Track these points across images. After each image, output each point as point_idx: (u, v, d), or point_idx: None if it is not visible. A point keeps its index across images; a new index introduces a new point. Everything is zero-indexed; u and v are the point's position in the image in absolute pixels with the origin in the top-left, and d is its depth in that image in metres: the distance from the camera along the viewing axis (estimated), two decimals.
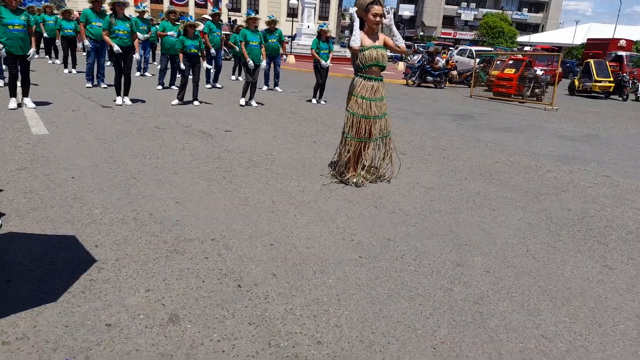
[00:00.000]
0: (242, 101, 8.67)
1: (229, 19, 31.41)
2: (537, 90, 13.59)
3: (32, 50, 6.35)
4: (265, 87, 11.38)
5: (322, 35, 9.45)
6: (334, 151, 4.70)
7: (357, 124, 4.21)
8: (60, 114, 6.48)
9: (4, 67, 8.04)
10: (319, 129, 7.04)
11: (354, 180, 4.33)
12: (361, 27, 4.12)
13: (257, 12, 51.49)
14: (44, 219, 3.08)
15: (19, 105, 6.61)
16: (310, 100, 9.94)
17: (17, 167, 4.07)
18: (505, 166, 5.52)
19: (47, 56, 14.15)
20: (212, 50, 10.29)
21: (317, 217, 3.52)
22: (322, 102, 9.75)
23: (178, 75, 10.95)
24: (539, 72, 13.78)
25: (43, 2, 13.95)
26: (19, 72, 6.44)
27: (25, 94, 6.69)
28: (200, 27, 9.75)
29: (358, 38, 4.04)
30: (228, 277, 2.53)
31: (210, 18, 11.62)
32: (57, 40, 12.50)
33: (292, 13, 31.32)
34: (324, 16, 55.06)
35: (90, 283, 2.36)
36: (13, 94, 6.50)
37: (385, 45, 4.20)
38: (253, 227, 3.24)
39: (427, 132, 7.37)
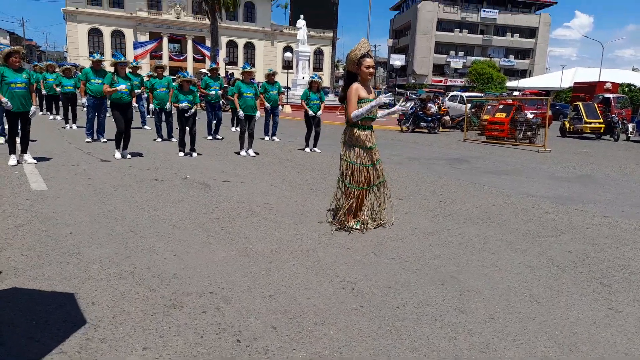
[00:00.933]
0: (243, 152, 8.81)
1: (226, 72, 32.37)
2: (529, 133, 13.85)
3: (33, 108, 6.49)
4: (266, 138, 11.54)
5: (312, 86, 9.73)
6: (331, 198, 4.70)
7: (357, 173, 4.29)
8: (60, 169, 6.53)
9: (5, 125, 8.18)
10: (316, 177, 7.10)
11: (357, 226, 4.35)
12: (352, 81, 4.24)
13: (253, 65, 53.12)
14: (41, 276, 3.04)
15: (19, 161, 6.67)
16: (303, 149, 10.07)
17: (16, 223, 4.06)
18: (502, 209, 5.54)
19: (48, 112, 14.43)
20: (210, 97, 10.74)
21: (317, 265, 3.49)
22: (317, 151, 9.86)
23: (175, 128, 11.19)
24: (530, 116, 14.10)
25: (45, 62, 14.50)
26: (19, 129, 6.55)
27: (24, 150, 6.77)
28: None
29: (361, 111, 4.14)
30: (227, 331, 2.48)
31: (207, 72, 12.03)
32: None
33: (288, 65, 32.35)
34: (318, 67, 56.96)
35: (86, 342, 2.30)
36: (12, 150, 6.59)
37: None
38: (252, 279, 3.20)
39: (423, 177, 7.44)
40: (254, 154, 8.86)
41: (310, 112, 9.61)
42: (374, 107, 4.14)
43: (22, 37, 69.18)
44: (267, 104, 10.82)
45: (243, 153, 8.81)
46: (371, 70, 4.17)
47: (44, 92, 13.16)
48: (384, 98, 4.11)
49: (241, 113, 8.55)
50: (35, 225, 4.04)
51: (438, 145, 12.66)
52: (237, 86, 8.79)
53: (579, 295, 3.13)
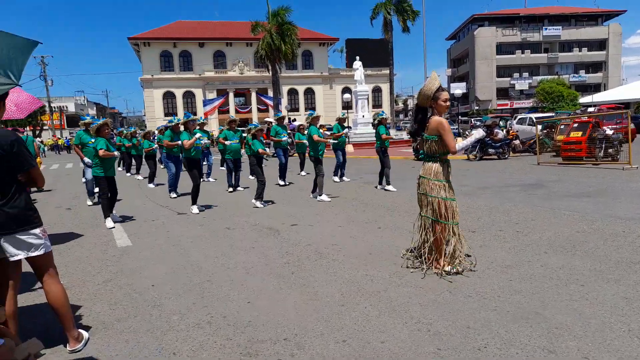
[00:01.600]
0: (324, 197, 8.64)
1: (289, 119, 33.56)
2: (610, 150, 12.87)
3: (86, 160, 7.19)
4: (336, 179, 11.55)
5: (383, 123, 9.82)
6: (416, 240, 4.39)
7: (450, 208, 4.08)
8: (142, 225, 7.01)
9: (95, 189, 8.93)
10: (381, 214, 7.02)
11: (455, 269, 4.04)
12: (425, 115, 4.16)
13: (314, 108, 54.66)
14: (127, 329, 3.23)
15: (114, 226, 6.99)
16: (376, 187, 9.94)
17: (104, 279, 4.38)
18: (588, 235, 5.13)
19: (128, 170, 15.62)
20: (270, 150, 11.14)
21: (389, 307, 3.41)
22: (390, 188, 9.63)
23: (251, 177, 11.63)
24: (609, 132, 13.15)
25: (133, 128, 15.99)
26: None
27: (110, 209, 7.33)
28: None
29: (465, 143, 4.16)
30: None
31: (272, 120, 12.62)
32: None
33: (347, 105, 32.98)
34: (377, 104, 57.39)
35: None
36: (108, 213, 7.00)
37: None
38: (324, 323, 3.18)
39: (496, 207, 7.10)
40: (328, 199, 8.56)
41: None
42: (478, 139, 4.10)
43: (107, 107, 76.81)
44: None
45: (326, 198, 8.63)
46: (448, 103, 4.12)
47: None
48: (482, 132, 4.07)
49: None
50: (122, 280, 4.33)
51: (509, 172, 12.10)
52: (310, 131, 9.10)
53: None
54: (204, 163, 12.50)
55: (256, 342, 2.95)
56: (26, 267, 2.87)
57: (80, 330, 3.04)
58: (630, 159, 11.37)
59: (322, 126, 15.74)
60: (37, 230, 2.73)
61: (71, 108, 66.54)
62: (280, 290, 3.90)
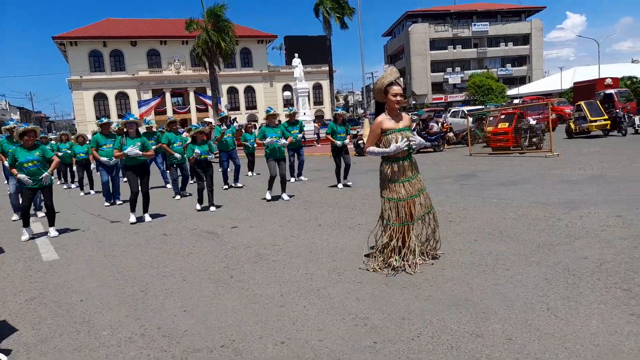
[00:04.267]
0: (268, 195, 8.49)
1: (230, 118, 33.00)
2: (534, 139, 13.75)
3: (44, 174, 6.43)
4: (292, 179, 10.94)
5: (337, 119, 9.70)
6: (369, 238, 4.40)
7: (394, 208, 4.03)
8: (71, 236, 6.61)
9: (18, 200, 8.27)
10: (322, 211, 7.08)
11: (397, 263, 4.01)
12: (381, 111, 4.10)
13: (254, 107, 53.96)
14: (52, 349, 3.03)
15: (32, 237, 6.61)
16: (335, 186, 9.60)
17: (27, 297, 4.09)
18: (513, 221, 5.45)
19: (63, 180, 14.55)
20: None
21: (328, 304, 3.44)
22: (349, 184, 9.51)
23: (191, 182, 11.07)
24: (532, 122, 14.03)
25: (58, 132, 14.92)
26: (43, 203, 6.50)
27: (51, 223, 6.75)
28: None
29: (378, 150, 4.02)
30: None
31: (212, 121, 12.12)
32: (73, 166, 13.04)
33: (288, 103, 32.95)
34: (318, 101, 57.80)
35: None
36: (26, 224, 6.59)
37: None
38: (262, 326, 3.15)
39: (431, 198, 7.34)
40: (287, 198, 8.44)
41: (338, 143, 9.38)
42: (391, 153, 3.92)
43: (32, 111, 71.76)
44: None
45: (268, 196, 8.45)
46: (399, 98, 3.96)
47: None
48: (403, 145, 3.88)
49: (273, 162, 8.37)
50: (47, 297, 4.07)
51: (444, 163, 12.61)
52: (261, 132, 8.48)
53: (597, 304, 3.02)
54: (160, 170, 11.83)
55: (192, 351, 2.87)
56: None
57: None
58: (551, 146, 12.20)
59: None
60: None
61: None
62: (218, 295, 3.82)
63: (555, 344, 2.56)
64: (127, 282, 4.33)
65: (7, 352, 3.01)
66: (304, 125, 11.41)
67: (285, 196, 8.46)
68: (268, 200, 8.40)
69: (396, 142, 3.92)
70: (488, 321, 2.94)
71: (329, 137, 9.65)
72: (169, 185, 11.47)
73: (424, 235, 4.31)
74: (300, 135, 10.51)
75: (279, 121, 9.68)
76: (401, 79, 4.09)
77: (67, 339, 3.18)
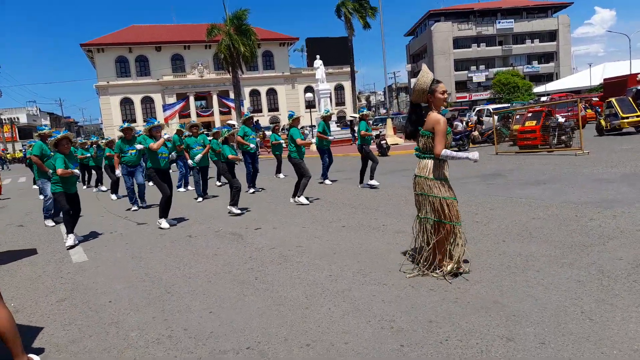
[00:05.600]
0: (303, 199, 8.25)
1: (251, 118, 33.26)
2: (563, 137, 13.38)
3: (76, 171, 6.30)
4: (328, 181, 10.72)
5: (365, 119, 9.70)
6: (412, 239, 4.16)
7: (452, 207, 3.85)
8: (99, 238, 6.75)
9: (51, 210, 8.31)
10: (346, 212, 7.03)
11: (453, 270, 3.81)
12: (419, 113, 3.95)
13: (277, 109, 54.28)
14: (82, 350, 3.09)
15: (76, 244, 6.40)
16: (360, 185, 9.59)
17: (58, 298, 4.19)
18: (543, 221, 5.29)
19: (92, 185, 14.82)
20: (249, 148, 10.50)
21: (352, 307, 3.40)
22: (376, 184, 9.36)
23: (217, 183, 11.00)
24: (561, 119, 13.66)
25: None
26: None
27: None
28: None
29: (453, 154, 3.79)
30: None
31: (235, 123, 11.98)
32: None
33: (310, 104, 32.98)
34: (340, 102, 57.79)
35: None
36: (70, 230, 6.37)
37: None
38: (288, 328, 3.14)
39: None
40: (307, 202, 8.19)
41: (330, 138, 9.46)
42: (470, 159, 3.80)
43: (61, 116, 73.95)
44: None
45: (304, 200, 8.22)
46: (446, 95, 3.88)
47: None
48: (476, 155, 3.78)
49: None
50: (77, 298, 4.15)
51: (469, 163, 12.35)
52: (292, 133, 8.37)
53: (635, 307, 2.89)
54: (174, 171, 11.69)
55: (218, 353, 2.88)
56: None
57: (30, 355, 2.88)
58: (582, 145, 11.84)
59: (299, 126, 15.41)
60: None
61: (23, 119, 63.65)
62: (243, 297, 3.83)
63: (591, 349, 2.46)
64: (153, 283, 4.38)
65: (39, 352, 3.08)
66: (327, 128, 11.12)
67: (303, 199, 8.25)
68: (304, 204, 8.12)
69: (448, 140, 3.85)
70: (519, 324, 2.85)
71: (364, 133, 9.48)
72: (180, 189, 11.57)
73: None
74: (331, 138, 10.53)
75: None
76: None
77: (96, 339, 3.23)
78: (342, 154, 18.37)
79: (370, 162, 9.46)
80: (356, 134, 10.13)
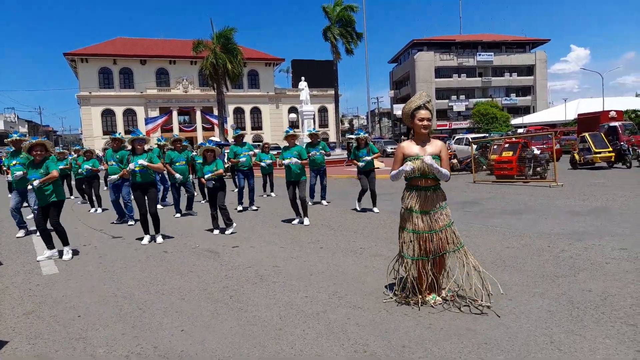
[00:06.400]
0: (295, 221, 8.25)
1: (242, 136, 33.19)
2: (538, 168, 13.74)
3: (36, 182, 5.85)
4: (310, 202, 10.37)
5: (360, 143, 9.37)
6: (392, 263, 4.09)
7: (408, 240, 3.81)
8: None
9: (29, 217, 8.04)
10: (324, 234, 7.04)
11: (419, 304, 3.74)
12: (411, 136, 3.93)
13: (260, 128, 54.35)
14: None
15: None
16: (356, 209, 9.35)
17: (25, 311, 4.06)
18: (517, 251, 5.40)
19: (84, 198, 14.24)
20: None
21: (327, 329, 3.39)
22: (376, 211, 9.05)
23: (203, 202, 10.69)
24: (537, 151, 14.05)
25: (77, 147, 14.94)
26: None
27: (64, 242, 6.22)
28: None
29: (392, 173, 3.82)
30: None
31: (217, 139, 11.71)
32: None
33: (293, 125, 33.17)
34: (323, 124, 58.24)
35: None
36: (50, 245, 6.14)
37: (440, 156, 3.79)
38: (260, 349, 3.11)
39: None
40: (307, 223, 8.02)
41: (360, 164, 9.09)
42: (400, 174, 3.77)
43: (40, 124, 72.52)
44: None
45: (295, 222, 8.19)
46: (425, 123, 3.75)
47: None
48: (408, 168, 3.70)
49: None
50: (44, 311, 4.03)
51: (447, 190, 12.48)
52: (282, 154, 8.33)
53: (602, 338, 2.97)
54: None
55: None
56: None
57: None
58: (556, 177, 12.18)
59: (267, 144, 15.22)
60: None
61: (0, 126, 62.15)
62: (216, 316, 3.78)
63: None
64: (125, 299, 4.29)
65: None
66: (327, 147, 10.87)
67: (306, 221, 8.09)
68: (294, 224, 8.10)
69: (415, 170, 3.73)
70: (490, 352, 2.88)
71: (354, 161, 9.32)
72: (159, 206, 10.95)
73: (458, 277, 3.85)
74: (316, 153, 10.28)
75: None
76: (431, 102, 3.88)
77: (62, 355, 3.14)
78: (336, 175, 18.38)
79: (362, 186, 9.33)
80: (352, 156, 9.86)
